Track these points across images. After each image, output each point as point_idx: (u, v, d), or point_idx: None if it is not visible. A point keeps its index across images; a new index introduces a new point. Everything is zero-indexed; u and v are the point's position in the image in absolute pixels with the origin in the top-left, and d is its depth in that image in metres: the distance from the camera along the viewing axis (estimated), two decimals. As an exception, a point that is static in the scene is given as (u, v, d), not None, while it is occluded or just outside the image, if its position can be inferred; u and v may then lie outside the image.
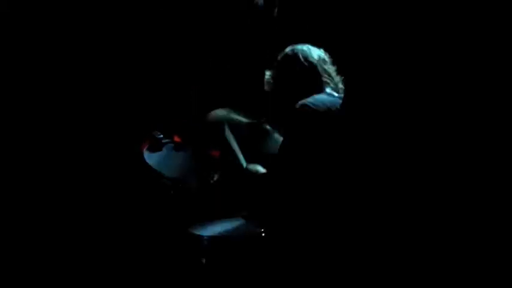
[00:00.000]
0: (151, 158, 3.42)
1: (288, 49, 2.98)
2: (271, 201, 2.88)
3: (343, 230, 2.51)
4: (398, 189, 2.38)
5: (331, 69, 2.94)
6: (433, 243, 2.31)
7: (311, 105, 2.75)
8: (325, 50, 3.04)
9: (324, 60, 2.95)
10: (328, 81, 2.90)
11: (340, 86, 2.93)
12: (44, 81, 4.02)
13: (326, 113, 2.73)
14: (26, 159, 3.95)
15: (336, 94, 2.88)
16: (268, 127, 3.27)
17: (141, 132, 3.77)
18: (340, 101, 2.75)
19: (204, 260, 3.11)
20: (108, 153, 4.09)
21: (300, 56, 2.91)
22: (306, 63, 2.90)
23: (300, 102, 2.77)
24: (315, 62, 2.91)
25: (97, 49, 4.09)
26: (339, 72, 2.97)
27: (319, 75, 2.90)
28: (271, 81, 3.00)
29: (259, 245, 2.95)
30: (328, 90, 2.88)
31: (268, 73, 3.02)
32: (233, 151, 3.12)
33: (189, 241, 3.22)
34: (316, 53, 2.95)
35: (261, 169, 2.98)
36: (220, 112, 3.34)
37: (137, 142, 3.62)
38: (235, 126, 3.24)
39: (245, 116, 3.34)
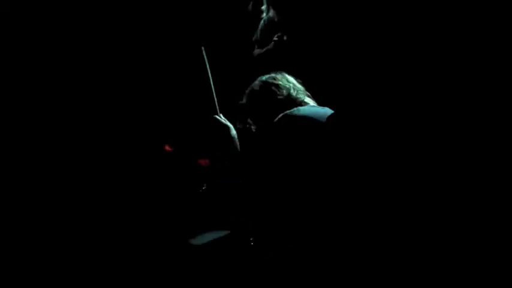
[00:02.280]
0: None
1: (257, 82, 3.03)
2: (262, 207, 2.91)
3: (336, 236, 2.52)
4: (394, 193, 2.40)
5: (300, 90, 2.99)
6: (433, 243, 2.32)
7: (295, 114, 2.80)
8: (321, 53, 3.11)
9: (293, 83, 3.00)
10: (301, 100, 2.96)
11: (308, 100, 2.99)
12: (44, 81, 4.03)
13: (310, 120, 2.78)
14: (26, 160, 3.96)
15: (314, 104, 2.94)
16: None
17: (141, 134, 3.78)
18: (321, 110, 2.81)
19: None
20: (108, 155, 4.10)
21: (273, 87, 2.96)
22: (279, 94, 2.95)
23: (283, 113, 2.82)
24: (287, 90, 2.96)
25: (97, 49, 4.10)
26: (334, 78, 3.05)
27: (294, 100, 2.95)
28: (246, 109, 3.06)
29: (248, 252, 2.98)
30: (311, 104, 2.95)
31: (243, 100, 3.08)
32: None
33: (185, 250, 3.26)
34: (285, 80, 2.99)
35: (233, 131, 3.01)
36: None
37: (137, 144, 3.63)
38: None
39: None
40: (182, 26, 4.33)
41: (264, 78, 3.02)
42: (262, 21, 4.30)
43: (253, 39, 4.31)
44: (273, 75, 3.02)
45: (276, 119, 2.82)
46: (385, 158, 2.44)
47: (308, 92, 3.03)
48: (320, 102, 3.00)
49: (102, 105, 4.13)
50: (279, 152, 2.78)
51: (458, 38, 2.31)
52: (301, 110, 2.83)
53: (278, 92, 2.94)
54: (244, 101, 3.05)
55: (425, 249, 2.33)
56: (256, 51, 4.26)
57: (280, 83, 2.97)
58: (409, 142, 2.41)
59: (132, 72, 4.21)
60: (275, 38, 4.13)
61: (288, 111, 2.82)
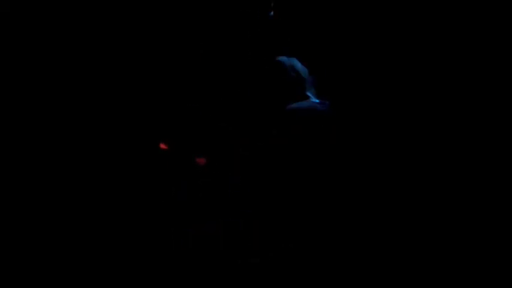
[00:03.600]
0: None
1: (276, 59, 3.13)
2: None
3: (336, 233, 2.52)
4: (393, 191, 2.39)
5: (311, 80, 3.09)
6: (433, 243, 2.32)
7: (299, 107, 2.85)
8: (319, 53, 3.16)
9: (306, 72, 3.10)
10: (311, 92, 3.04)
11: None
12: (44, 81, 4.03)
13: (313, 115, 2.82)
14: (26, 160, 3.96)
15: (317, 100, 2.99)
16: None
17: (140, 134, 3.78)
18: (321, 106, 2.87)
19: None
20: (106, 154, 4.10)
21: (289, 67, 3.05)
22: (294, 75, 3.05)
23: (291, 106, 2.87)
24: (302, 73, 3.06)
25: (97, 49, 4.10)
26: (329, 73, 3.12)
27: (304, 86, 3.04)
28: (257, 88, 3.13)
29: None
30: (312, 98, 3.00)
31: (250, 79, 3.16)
32: None
33: (183, 250, 3.27)
34: (300, 65, 3.10)
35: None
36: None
37: (135, 144, 3.62)
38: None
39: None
40: (181, 26, 4.33)
41: (282, 58, 3.12)
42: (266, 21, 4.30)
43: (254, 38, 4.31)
44: (286, 58, 3.11)
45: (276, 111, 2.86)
46: (384, 157, 2.44)
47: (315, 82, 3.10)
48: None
49: (101, 104, 4.13)
50: (279, 151, 2.78)
51: (458, 38, 2.32)
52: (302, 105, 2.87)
53: (292, 75, 3.03)
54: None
55: (425, 249, 2.33)
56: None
57: (295, 66, 3.07)
58: (409, 141, 2.41)
59: (132, 72, 4.21)
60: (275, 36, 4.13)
61: (289, 106, 2.85)
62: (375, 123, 2.48)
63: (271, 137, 3.09)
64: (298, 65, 3.11)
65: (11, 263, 3.69)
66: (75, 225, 3.88)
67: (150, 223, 3.78)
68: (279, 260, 2.75)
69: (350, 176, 2.52)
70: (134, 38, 4.17)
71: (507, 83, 2.25)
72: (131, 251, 3.76)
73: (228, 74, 4.08)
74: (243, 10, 4.43)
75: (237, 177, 3.17)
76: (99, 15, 4.10)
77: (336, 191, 2.55)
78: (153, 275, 3.60)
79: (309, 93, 3.01)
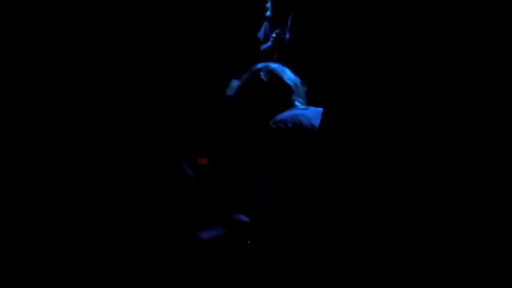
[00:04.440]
0: None
1: (261, 65, 3.03)
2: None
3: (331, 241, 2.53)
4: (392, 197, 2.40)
5: (301, 90, 3.00)
6: (432, 244, 2.32)
7: (289, 119, 2.80)
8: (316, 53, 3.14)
9: (296, 81, 3.00)
10: (299, 101, 2.96)
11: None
12: (44, 81, 4.03)
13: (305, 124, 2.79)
14: (25, 160, 3.96)
15: (307, 107, 2.94)
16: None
17: (140, 135, 3.79)
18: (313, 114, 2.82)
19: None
20: (106, 154, 4.10)
21: (276, 74, 2.97)
22: (281, 83, 2.96)
23: (278, 117, 2.82)
24: (290, 83, 2.97)
25: (97, 49, 4.10)
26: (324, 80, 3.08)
27: (291, 95, 2.96)
28: (239, 92, 3.04)
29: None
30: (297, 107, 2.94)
31: (235, 82, 3.06)
32: None
33: (183, 250, 3.27)
34: (289, 74, 3.00)
35: None
36: None
37: (135, 144, 3.63)
38: None
39: None
40: (182, 26, 4.33)
41: (271, 67, 3.01)
42: (265, 20, 4.32)
43: (257, 37, 4.33)
44: (274, 65, 3.02)
45: (276, 119, 2.82)
46: (383, 157, 2.44)
47: (306, 91, 3.04)
48: (318, 101, 3.01)
49: (101, 104, 4.14)
50: (279, 152, 2.78)
51: (458, 38, 2.31)
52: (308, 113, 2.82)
53: (281, 85, 2.94)
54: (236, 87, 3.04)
55: (425, 251, 2.33)
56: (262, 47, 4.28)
57: (283, 75, 2.98)
58: (408, 143, 2.41)
59: (132, 72, 4.21)
60: (273, 35, 4.15)
61: (289, 114, 2.82)
62: (374, 124, 2.49)
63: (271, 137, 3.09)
64: (287, 74, 2.99)
65: (10, 263, 3.69)
66: (75, 225, 3.88)
67: (150, 223, 3.78)
68: (279, 260, 2.75)
69: (350, 176, 2.52)
70: (134, 38, 4.18)
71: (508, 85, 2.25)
72: (131, 251, 3.75)
73: (227, 74, 4.08)
74: (243, 10, 4.44)
75: (237, 177, 3.17)
76: (99, 15, 4.10)
77: (335, 190, 2.55)
78: (153, 275, 3.60)
79: (296, 102, 2.93)
